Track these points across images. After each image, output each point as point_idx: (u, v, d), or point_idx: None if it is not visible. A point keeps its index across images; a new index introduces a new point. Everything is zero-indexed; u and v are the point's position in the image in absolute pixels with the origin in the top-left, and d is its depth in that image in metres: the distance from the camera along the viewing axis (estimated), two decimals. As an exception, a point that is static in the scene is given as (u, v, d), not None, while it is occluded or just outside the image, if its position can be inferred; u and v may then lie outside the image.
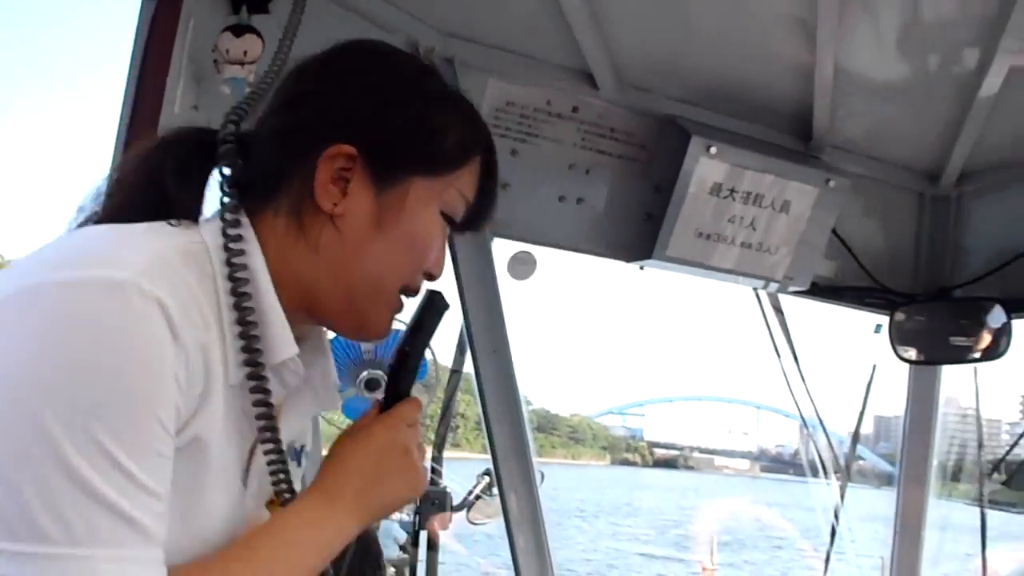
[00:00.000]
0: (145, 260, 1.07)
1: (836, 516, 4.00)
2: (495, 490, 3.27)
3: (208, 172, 1.33)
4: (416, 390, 1.44)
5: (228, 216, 1.23)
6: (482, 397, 3.18)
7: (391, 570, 4.48)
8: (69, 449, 0.95)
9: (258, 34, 2.17)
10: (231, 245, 1.20)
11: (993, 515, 4.00)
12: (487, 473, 3.27)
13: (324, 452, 1.35)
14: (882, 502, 4.53)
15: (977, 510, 3.91)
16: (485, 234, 3.07)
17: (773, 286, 3.41)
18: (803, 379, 3.72)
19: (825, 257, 3.42)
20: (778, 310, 3.65)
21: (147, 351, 1.02)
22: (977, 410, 4.06)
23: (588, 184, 3.16)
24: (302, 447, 1.49)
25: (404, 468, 1.33)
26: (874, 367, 3.76)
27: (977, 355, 3.54)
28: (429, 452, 3.37)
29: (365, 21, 2.61)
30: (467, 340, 3.17)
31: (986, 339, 3.48)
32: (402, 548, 4.75)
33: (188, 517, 1.15)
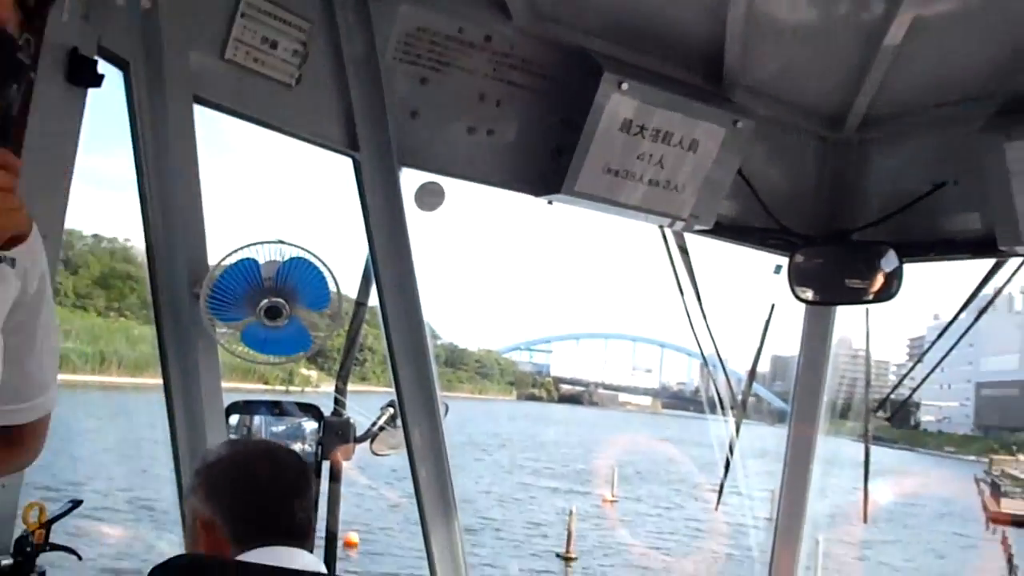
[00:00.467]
0: None
1: (731, 450, 4.13)
2: (399, 422, 3.27)
3: None
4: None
5: None
6: (387, 329, 3.15)
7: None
8: None
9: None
10: None
11: (876, 451, 4.18)
12: (391, 404, 3.25)
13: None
14: (775, 439, 4.69)
15: (862, 446, 4.08)
16: (392, 163, 3.02)
17: (679, 224, 3.45)
18: (705, 318, 3.80)
19: (729, 197, 3.47)
20: (683, 249, 3.70)
21: None
22: (867, 351, 4.20)
23: (499, 116, 3.13)
24: None
25: None
26: (772, 307, 3.85)
27: (870, 297, 3.67)
28: (333, 384, 3.31)
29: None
30: (372, 271, 3.14)
31: (879, 282, 3.60)
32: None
33: None
